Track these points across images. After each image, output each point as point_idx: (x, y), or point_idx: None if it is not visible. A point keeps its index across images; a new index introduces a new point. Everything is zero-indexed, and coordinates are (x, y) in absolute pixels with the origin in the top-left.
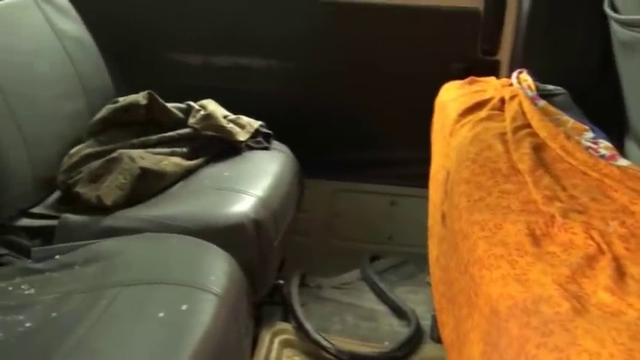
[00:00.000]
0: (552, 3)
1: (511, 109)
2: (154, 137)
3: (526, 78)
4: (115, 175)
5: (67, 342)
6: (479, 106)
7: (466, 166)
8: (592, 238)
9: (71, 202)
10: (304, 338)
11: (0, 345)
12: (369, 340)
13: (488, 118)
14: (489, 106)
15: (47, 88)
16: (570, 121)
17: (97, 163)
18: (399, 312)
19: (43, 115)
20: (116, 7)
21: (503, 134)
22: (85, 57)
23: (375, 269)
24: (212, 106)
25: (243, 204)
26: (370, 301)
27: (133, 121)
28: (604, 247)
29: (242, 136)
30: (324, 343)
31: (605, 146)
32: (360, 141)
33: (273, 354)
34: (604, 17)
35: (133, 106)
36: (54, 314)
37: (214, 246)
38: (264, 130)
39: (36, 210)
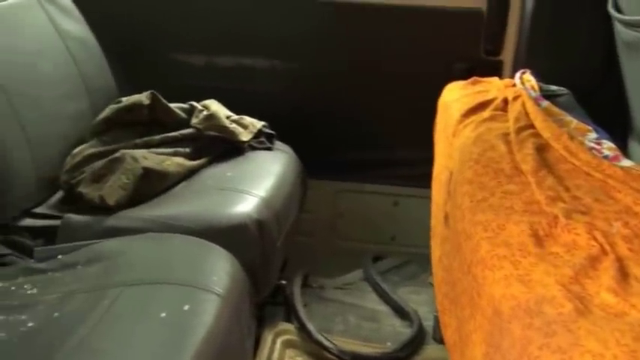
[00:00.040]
0: (556, 3)
1: (514, 109)
2: (157, 137)
3: (529, 78)
4: (118, 175)
5: (70, 342)
6: (482, 106)
7: (469, 167)
8: (595, 238)
9: (74, 202)
10: (306, 339)
11: (2, 345)
12: (372, 341)
13: (492, 118)
14: (492, 106)
15: (50, 89)
16: (574, 122)
17: (99, 163)
18: (401, 312)
19: (47, 116)
20: (119, 7)
21: (506, 135)
22: (88, 57)
23: (378, 269)
24: (215, 106)
25: (246, 204)
26: (373, 302)
27: (135, 121)
28: (607, 247)
29: (245, 136)
30: (327, 343)
31: (608, 147)
32: (363, 141)
33: (276, 354)
34: (608, 17)
35: (135, 107)
36: (56, 314)
37: (217, 246)
38: (267, 130)
39: (39, 210)
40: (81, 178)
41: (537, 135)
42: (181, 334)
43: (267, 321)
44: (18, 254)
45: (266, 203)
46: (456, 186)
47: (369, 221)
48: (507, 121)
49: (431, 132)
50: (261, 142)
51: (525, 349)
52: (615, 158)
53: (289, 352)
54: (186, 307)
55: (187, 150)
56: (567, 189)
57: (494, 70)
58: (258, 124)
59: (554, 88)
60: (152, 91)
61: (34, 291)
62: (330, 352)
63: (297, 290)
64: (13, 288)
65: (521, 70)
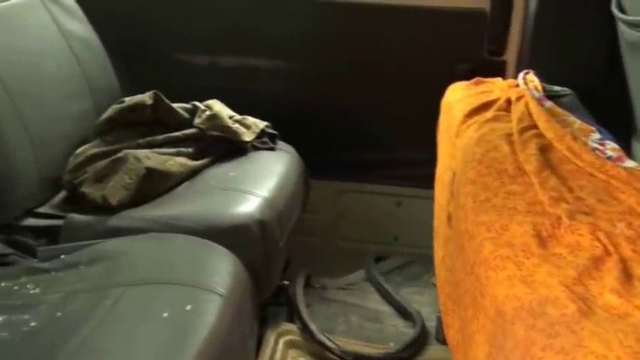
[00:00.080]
0: (559, 3)
1: (517, 110)
2: (160, 137)
3: (533, 79)
4: (121, 175)
5: (72, 341)
6: (485, 106)
7: (472, 167)
8: (599, 239)
9: (77, 201)
10: (309, 339)
11: (5, 344)
12: (374, 341)
13: (495, 119)
14: (496, 107)
15: (54, 89)
16: (577, 122)
17: (102, 163)
18: (404, 313)
19: (50, 116)
20: (122, 7)
21: (509, 135)
22: (92, 57)
23: (381, 270)
24: (218, 106)
25: (249, 204)
26: (375, 302)
27: (138, 121)
28: (611, 248)
29: (248, 136)
30: (329, 343)
31: (611, 147)
32: (366, 142)
33: (278, 355)
34: (611, 18)
35: (138, 106)
36: (59, 314)
37: (219, 246)
38: (270, 130)
39: (42, 210)
40: (84, 178)
41: (540, 135)
42: (183, 334)
43: (269, 321)
44: (21, 254)
45: (268, 203)
46: (459, 186)
47: (372, 221)
48: (510, 122)
49: (434, 132)
50: (264, 142)
51: (528, 350)
52: (619, 159)
53: (292, 353)
54: (188, 307)
55: (190, 150)
56: (570, 190)
57: (497, 70)
58: (261, 124)
59: (557, 88)
60: (155, 91)
61: (37, 291)
62: (332, 352)
63: (299, 290)
64: (15, 288)
65: (525, 71)
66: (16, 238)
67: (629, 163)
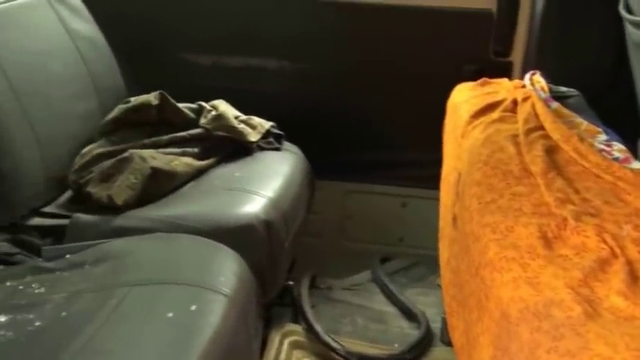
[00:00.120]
0: (566, 4)
1: (524, 110)
2: (165, 137)
3: (539, 80)
4: (126, 174)
5: (77, 341)
6: (491, 107)
7: (478, 168)
8: (605, 241)
9: (82, 201)
10: (314, 340)
11: (10, 344)
12: (379, 342)
13: (501, 119)
14: (502, 107)
15: (60, 88)
16: (584, 124)
17: (108, 163)
18: (409, 314)
19: (56, 115)
20: (128, 7)
21: (515, 136)
22: (98, 57)
23: (386, 271)
24: (223, 106)
25: (254, 205)
26: (380, 303)
27: (144, 121)
28: (617, 250)
29: (253, 136)
30: (334, 344)
31: (618, 149)
32: (372, 142)
33: (283, 355)
34: (618, 18)
35: (144, 106)
36: (64, 313)
37: (224, 246)
38: (276, 130)
39: (47, 209)
40: (89, 177)
41: (547, 137)
42: (188, 334)
43: (274, 322)
44: (26, 253)
45: (274, 204)
46: (464, 187)
47: (377, 222)
48: (517, 123)
49: (440, 133)
50: (270, 142)
51: (533, 352)
52: (626, 160)
53: (296, 353)
54: (193, 308)
55: (196, 150)
56: (577, 191)
57: (503, 71)
58: (267, 124)
59: (564, 89)
60: (161, 91)
61: (42, 290)
62: (337, 353)
63: (304, 291)
64: (21, 287)
65: (531, 72)
66: (22, 238)
67: (636, 165)
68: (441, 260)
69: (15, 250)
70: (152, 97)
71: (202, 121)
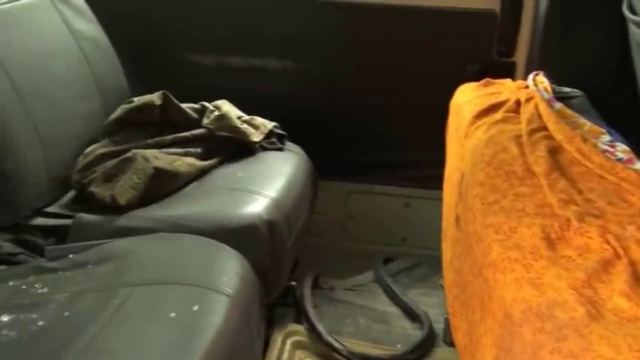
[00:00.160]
0: (569, 4)
1: (527, 111)
2: (169, 137)
3: (542, 80)
4: (129, 174)
5: (80, 341)
6: (494, 108)
7: (481, 169)
8: (608, 242)
9: (85, 201)
10: (316, 340)
11: (13, 344)
12: (382, 343)
13: (504, 120)
14: (505, 108)
15: (63, 89)
16: (587, 124)
17: (111, 163)
18: (411, 314)
19: (59, 116)
20: (132, 7)
21: (518, 137)
22: (101, 57)
23: (389, 271)
24: (226, 106)
25: (257, 205)
26: (383, 304)
27: (147, 121)
28: (620, 251)
29: (256, 136)
30: (336, 345)
31: (622, 149)
32: (375, 142)
33: (285, 355)
34: (622, 18)
35: (147, 107)
36: (67, 313)
37: (227, 247)
38: (278, 131)
39: (51, 209)
40: (92, 177)
41: (550, 137)
42: (191, 334)
43: (276, 322)
44: (29, 253)
45: (277, 204)
46: (467, 188)
47: (380, 222)
48: (520, 123)
49: (442, 133)
50: (272, 142)
51: (536, 353)
52: (629, 161)
53: (299, 354)
54: (195, 308)
55: (198, 150)
56: (580, 192)
57: (506, 71)
58: (270, 124)
59: (567, 89)
60: (164, 91)
61: (45, 290)
62: (339, 353)
63: (307, 291)
64: (24, 287)
65: (534, 72)
66: (25, 238)
67: None
68: (444, 261)
69: (18, 250)
70: (155, 98)
71: (205, 121)
